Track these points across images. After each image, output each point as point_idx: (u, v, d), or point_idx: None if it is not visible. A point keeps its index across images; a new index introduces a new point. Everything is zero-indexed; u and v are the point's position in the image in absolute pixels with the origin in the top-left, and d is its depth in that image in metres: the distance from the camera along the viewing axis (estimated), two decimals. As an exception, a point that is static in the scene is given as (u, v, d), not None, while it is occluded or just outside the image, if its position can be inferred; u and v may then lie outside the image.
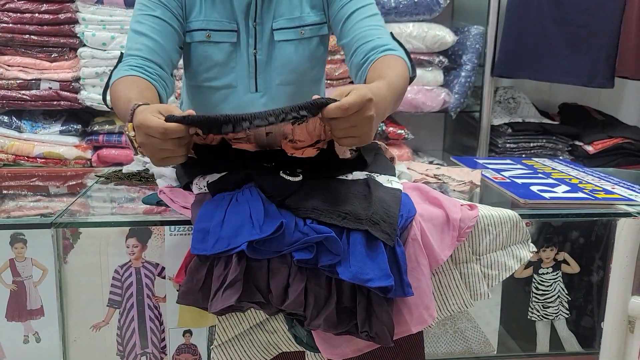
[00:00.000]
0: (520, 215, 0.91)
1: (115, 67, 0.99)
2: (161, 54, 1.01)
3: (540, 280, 0.99)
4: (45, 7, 1.78)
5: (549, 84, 2.33)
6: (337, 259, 0.75)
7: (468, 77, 2.06)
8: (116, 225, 0.85)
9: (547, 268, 0.99)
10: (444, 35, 2.00)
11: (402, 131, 2.06)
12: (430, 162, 2.16)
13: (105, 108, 1.88)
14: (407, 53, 1.03)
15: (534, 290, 0.99)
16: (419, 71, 2.04)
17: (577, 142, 2.15)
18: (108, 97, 0.97)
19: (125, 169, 1.20)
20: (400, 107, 2.04)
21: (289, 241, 0.76)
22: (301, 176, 0.86)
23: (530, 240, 0.93)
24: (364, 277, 0.74)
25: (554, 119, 2.31)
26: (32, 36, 1.80)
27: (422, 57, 2.02)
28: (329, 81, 2.00)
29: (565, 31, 1.99)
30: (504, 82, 2.33)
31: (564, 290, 1.00)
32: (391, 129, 2.06)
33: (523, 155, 2.11)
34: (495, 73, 2.07)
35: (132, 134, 0.77)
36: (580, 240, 1.03)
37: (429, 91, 2.06)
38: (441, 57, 2.04)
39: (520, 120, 2.18)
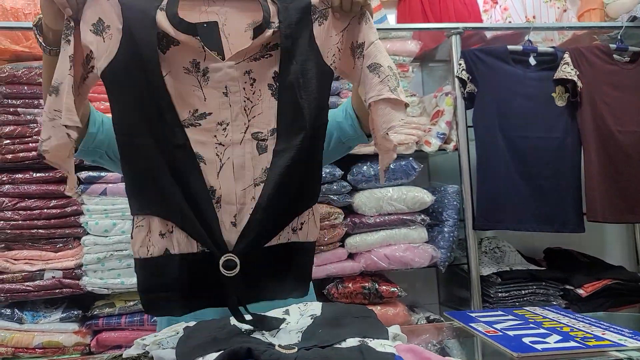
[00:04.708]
0: (514, 370, 0.93)
1: None
2: None
3: None
4: (54, 202, 1.92)
5: (531, 231, 2.44)
6: None
7: (451, 232, 2.17)
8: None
9: (551, 423, 0.98)
10: (422, 196, 2.15)
11: (395, 289, 2.10)
12: (427, 318, 2.17)
13: (106, 292, 1.93)
14: None
15: None
16: (404, 230, 2.15)
17: (567, 286, 2.19)
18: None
19: (125, 354, 1.21)
20: (390, 265, 2.13)
21: (288, 416, 0.77)
22: (296, 348, 0.90)
23: (528, 395, 0.93)
24: None
25: (541, 264, 2.38)
26: (39, 230, 1.92)
27: (405, 217, 2.15)
28: (318, 246, 2.09)
29: (532, 184, 2.16)
30: (487, 233, 2.44)
31: None
32: (384, 287, 2.11)
33: (516, 304, 2.13)
34: (476, 227, 2.19)
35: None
36: (580, 389, 1.03)
37: (416, 248, 2.15)
38: (423, 216, 2.17)
39: (508, 268, 2.24)
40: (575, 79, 2.15)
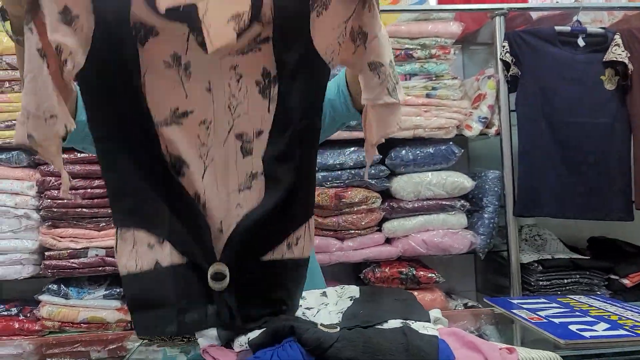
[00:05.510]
0: (562, 357, 0.90)
1: None
2: None
3: None
4: (97, 182, 1.97)
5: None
6: (380, 412, 0.76)
7: (491, 219, 2.13)
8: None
9: (599, 412, 0.95)
10: (463, 181, 2.11)
11: (433, 274, 2.08)
12: (465, 304, 2.14)
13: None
14: None
15: None
16: (442, 215, 2.13)
17: (612, 276, 2.13)
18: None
19: (168, 330, 1.24)
20: (429, 251, 2.11)
21: (330, 397, 0.77)
22: (338, 328, 0.89)
23: (575, 383, 0.91)
24: None
25: (584, 253, 2.31)
26: (83, 209, 1.97)
27: (444, 203, 2.12)
28: (355, 230, 2.09)
29: (576, 170, 2.10)
30: (528, 220, 2.38)
31: None
32: (422, 273, 2.09)
33: (558, 293, 2.08)
34: (516, 213, 2.14)
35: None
36: (630, 379, 0.99)
37: (455, 234, 2.12)
38: (462, 201, 2.14)
39: (549, 256, 2.19)
40: (626, 61, 2.07)
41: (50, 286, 2.00)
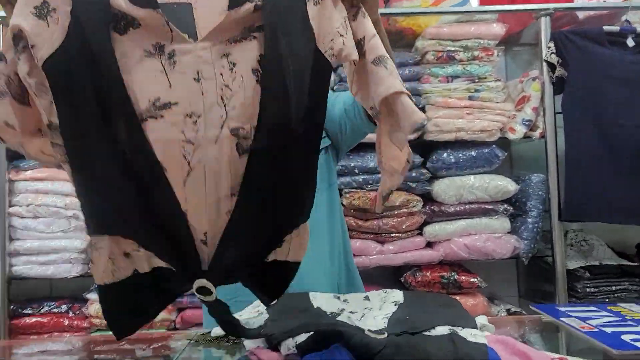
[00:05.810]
0: (615, 368, 0.88)
1: None
2: None
3: None
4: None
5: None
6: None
7: (535, 223, 2.08)
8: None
9: None
10: (506, 185, 2.07)
11: (475, 279, 2.06)
12: (507, 310, 2.10)
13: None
14: None
15: None
16: (485, 220, 2.09)
17: (662, 283, 2.06)
18: None
19: (213, 333, 1.26)
20: (471, 255, 2.08)
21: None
22: (386, 334, 0.89)
23: (630, 396, 0.88)
24: None
25: (633, 259, 2.24)
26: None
27: (486, 206, 2.09)
28: (396, 233, 2.08)
29: (626, 174, 2.03)
30: (573, 225, 2.32)
31: None
32: (464, 277, 2.06)
33: (606, 300, 2.02)
34: (563, 218, 2.09)
35: None
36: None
37: (498, 238, 2.09)
38: (506, 205, 2.10)
39: (597, 263, 2.13)
40: (679, 61, 1.99)
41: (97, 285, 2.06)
